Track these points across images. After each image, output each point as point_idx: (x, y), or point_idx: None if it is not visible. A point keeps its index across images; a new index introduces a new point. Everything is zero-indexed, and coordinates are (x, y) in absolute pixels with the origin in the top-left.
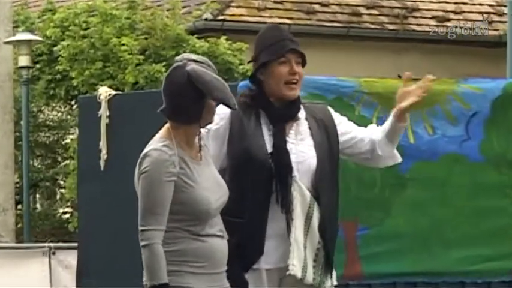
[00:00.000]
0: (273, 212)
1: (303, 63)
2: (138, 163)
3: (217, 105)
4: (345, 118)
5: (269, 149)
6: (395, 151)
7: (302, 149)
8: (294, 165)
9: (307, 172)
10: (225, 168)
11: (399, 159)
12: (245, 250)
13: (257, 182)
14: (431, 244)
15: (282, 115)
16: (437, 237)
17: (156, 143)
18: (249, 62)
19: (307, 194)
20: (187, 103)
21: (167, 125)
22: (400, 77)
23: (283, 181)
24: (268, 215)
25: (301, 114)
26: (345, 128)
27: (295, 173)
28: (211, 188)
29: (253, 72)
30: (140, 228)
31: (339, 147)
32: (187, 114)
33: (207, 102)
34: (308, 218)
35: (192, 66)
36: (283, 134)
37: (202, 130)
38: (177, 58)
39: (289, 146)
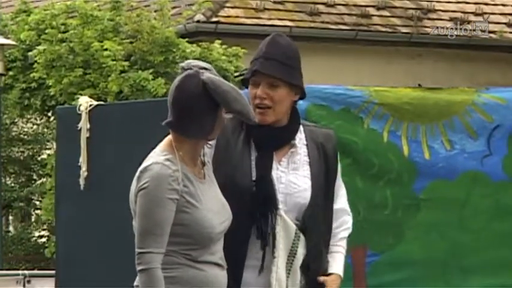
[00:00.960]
0: (253, 245)
1: (297, 85)
2: (136, 178)
3: None
4: (339, 168)
5: (254, 176)
6: None
7: (293, 179)
8: (281, 196)
9: (296, 205)
10: None
11: None
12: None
13: (239, 210)
14: (448, 272)
15: (270, 139)
16: (455, 264)
17: (158, 157)
18: (240, 75)
19: (293, 229)
20: (200, 116)
21: (169, 138)
22: (420, 85)
23: (264, 214)
24: (249, 247)
25: (300, 140)
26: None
27: (280, 205)
28: (216, 209)
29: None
30: (138, 250)
31: (336, 178)
32: (198, 128)
33: (219, 114)
34: (291, 255)
35: (207, 75)
36: (269, 161)
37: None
38: (183, 65)
39: (277, 175)
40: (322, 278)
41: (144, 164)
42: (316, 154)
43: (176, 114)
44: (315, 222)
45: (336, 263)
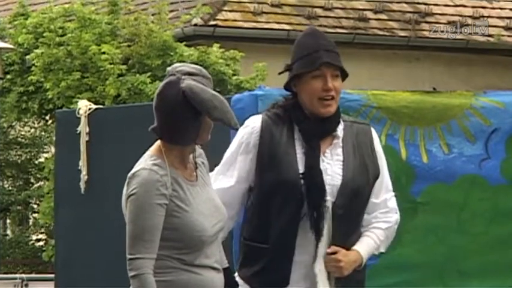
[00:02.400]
0: (302, 238)
1: (344, 75)
2: (126, 184)
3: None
4: (384, 160)
5: (301, 168)
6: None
7: (338, 170)
8: (328, 188)
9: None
10: (252, 187)
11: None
12: (269, 279)
13: (287, 204)
14: (446, 276)
15: (317, 131)
16: (453, 268)
17: (146, 162)
18: (282, 72)
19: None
20: (182, 123)
21: (158, 142)
22: (435, 89)
23: (315, 205)
24: (297, 241)
25: (340, 131)
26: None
27: (328, 196)
28: (207, 212)
29: (287, 82)
30: (128, 256)
31: (375, 171)
32: (183, 135)
33: (204, 120)
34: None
35: (187, 82)
36: (318, 152)
37: (198, 147)
38: (168, 70)
39: (324, 166)
40: (334, 248)
41: (133, 169)
42: (351, 149)
43: (160, 121)
44: (349, 209)
45: (360, 243)
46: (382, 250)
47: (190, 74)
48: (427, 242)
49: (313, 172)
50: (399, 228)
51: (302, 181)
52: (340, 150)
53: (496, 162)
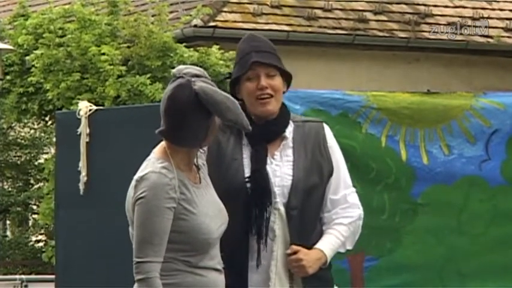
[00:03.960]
0: (253, 243)
1: (286, 75)
2: (133, 187)
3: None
4: (339, 155)
5: (247, 173)
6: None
7: (288, 171)
8: (278, 189)
9: None
10: None
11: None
12: (229, 285)
13: (236, 210)
14: (446, 277)
15: (263, 135)
16: (453, 269)
17: (154, 165)
18: (225, 79)
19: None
20: (192, 125)
21: (162, 145)
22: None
23: (260, 208)
24: (249, 246)
25: (289, 133)
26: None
27: (277, 198)
28: (212, 214)
29: (230, 91)
30: (136, 260)
31: (329, 168)
32: (192, 137)
33: (213, 122)
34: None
35: (199, 84)
36: (264, 155)
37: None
38: (174, 72)
39: (272, 168)
40: (294, 247)
41: (140, 173)
42: (302, 149)
43: (168, 123)
44: (303, 208)
45: (322, 241)
46: (349, 247)
47: (197, 76)
48: (427, 243)
49: (258, 175)
50: (399, 230)
51: (248, 185)
52: (290, 151)
53: (496, 163)
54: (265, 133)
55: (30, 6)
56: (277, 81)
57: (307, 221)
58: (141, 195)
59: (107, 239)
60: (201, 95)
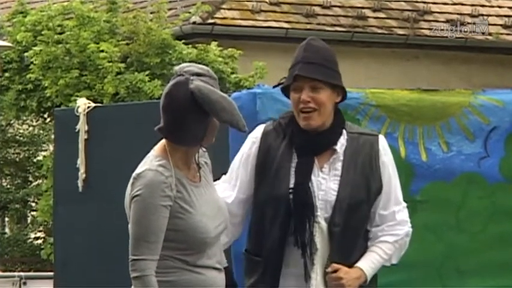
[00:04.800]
0: (291, 253)
1: (340, 87)
2: (130, 184)
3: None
4: (392, 170)
5: (292, 183)
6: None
7: (333, 186)
8: (321, 203)
9: None
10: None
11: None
12: None
13: (277, 218)
14: (444, 274)
15: (311, 146)
16: (452, 266)
17: (151, 162)
18: (277, 86)
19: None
20: (189, 124)
21: (163, 142)
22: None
23: (301, 221)
24: (285, 255)
25: (341, 146)
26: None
27: (319, 212)
28: (211, 213)
29: (285, 94)
30: (131, 257)
31: (378, 185)
32: (189, 136)
33: (211, 121)
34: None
35: (195, 83)
36: (308, 168)
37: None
38: (176, 70)
39: (318, 181)
40: (335, 266)
41: (138, 169)
42: (352, 164)
43: (167, 121)
44: (345, 226)
45: (364, 259)
46: (394, 261)
47: (198, 74)
48: (426, 240)
49: (301, 188)
50: None
51: (291, 196)
52: (339, 165)
53: (495, 160)
54: (313, 145)
55: (28, 3)
56: (323, 94)
57: (349, 239)
58: (137, 193)
59: (105, 236)
60: (196, 93)
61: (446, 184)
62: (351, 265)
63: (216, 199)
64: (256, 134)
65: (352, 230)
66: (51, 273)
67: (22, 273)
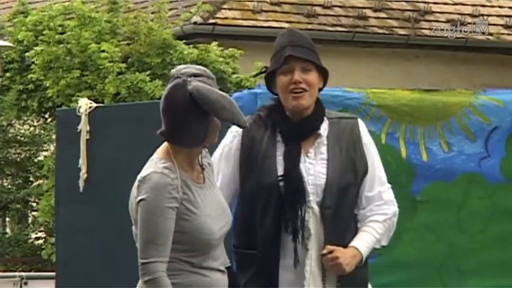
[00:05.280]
0: (286, 241)
1: (322, 71)
2: (135, 187)
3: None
4: (374, 152)
5: (281, 171)
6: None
7: (322, 170)
8: (311, 188)
9: None
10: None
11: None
12: (259, 284)
13: (268, 208)
14: (445, 274)
15: (297, 132)
16: (453, 266)
17: (156, 165)
18: (258, 74)
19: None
20: (190, 125)
21: (165, 145)
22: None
23: (294, 207)
24: (281, 244)
25: (324, 130)
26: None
27: (311, 197)
28: (215, 214)
29: (266, 85)
30: (141, 261)
31: (364, 167)
32: (191, 137)
33: (212, 121)
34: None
35: (193, 84)
36: (297, 153)
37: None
38: (173, 72)
39: (306, 167)
40: (330, 247)
41: (143, 173)
42: (337, 147)
43: (168, 124)
44: (337, 208)
45: (357, 239)
46: (384, 243)
47: (195, 75)
48: (427, 240)
49: (292, 174)
50: (399, 227)
51: (281, 183)
52: (324, 149)
53: (496, 160)
54: (299, 131)
55: (30, 3)
56: (312, 76)
57: (341, 220)
58: (143, 197)
59: (107, 236)
60: (195, 94)
61: (447, 184)
62: (345, 246)
63: (220, 200)
64: (236, 128)
65: (344, 211)
66: (52, 273)
67: (23, 273)
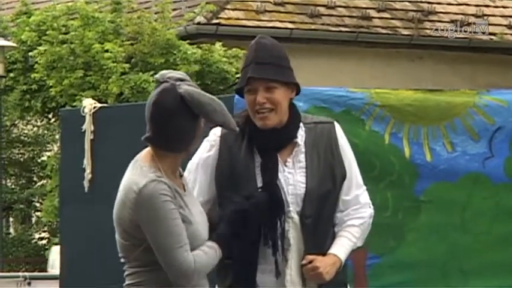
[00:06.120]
0: (265, 252)
1: (295, 84)
2: (133, 202)
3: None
4: (351, 155)
5: (260, 182)
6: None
7: (301, 179)
8: (291, 198)
9: None
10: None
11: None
12: None
13: (245, 220)
14: (449, 274)
15: (272, 143)
16: (456, 266)
17: (148, 174)
18: (232, 85)
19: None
20: (180, 129)
21: (148, 152)
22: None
23: (273, 218)
24: (260, 252)
25: (301, 137)
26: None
27: (290, 207)
28: (201, 221)
29: (239, 95)
30: (176, 270)
31: (342, 172)
32: (179, 141)
33: (199, 126)
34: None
35: (184, 87)
36: (275, 165)
37: None
38: (157, 77)
39: (285, 176)
40: (309, 257)
41: (135, 185)
42: (315, 153)
43: (155, 129)
44: (317, 216)
45: (335, 245)
46: (359, 244)
47: (181, 80)
48: (430, 240)
49: (270, 186)
50: (402, 227)
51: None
52: (302, 157)
53: (500, 160)
54: (275, 141)
55: (33, 3)
56: (277, 93)
57: (321, 228)
58: (151, 211)
59: (111, 236)
60: (186, 97)
61: (450, 184)
62: (324, 253)
63: (200, 208)
64: (213, 137)
65: (323, 220)
66: (56, 274)
67: (27, 273)
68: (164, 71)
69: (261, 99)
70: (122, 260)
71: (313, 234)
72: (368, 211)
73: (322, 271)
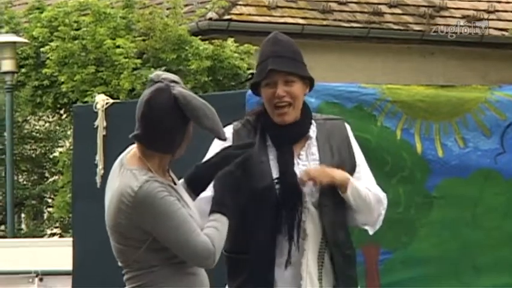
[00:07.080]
0: (282, 243)
1: (310, 79)
2: (132, 206)
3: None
4: (361, 156)
5: (275, 174)
6: (372, 217)
7: None
8: (307, 189)
9: None
10: None
11: (377, 226)
12: (255, 285)
13: (263, 211)
14: (461, 270)
15: (287, 137)
16: (468, 262)
17: (139, 177)
18: (245, 81)
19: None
20: (170, 130)
21: (136, 153)
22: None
23: (291, 208)
24: (277, 246)
25: (313, 132)
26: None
27: (306, 197)
28: (196, 217)
29: (252, 91)
30: (196, 254)
31: (353, 165)
32: (168, 142)
33: (188, 129)
34: (322, 248)
35: (178, 89)
36: (290, 156)
37: None
38: (151, 77)
39: (300, 169)
40: (303, 173)
41: (130, 189)
42: (327, 148)
43: (145, 127)
44: (332, 206)
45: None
46: (372, 217)
47: (175, 82)
48: (442, 236)
49: (287, 176)
50: (414, 223)
51: (277, 186)
52: (315, 150)
53: (511, 156)
54: (290, 135)
55: None
56: (296, 87)
57: (337, 218)
58: (150, 210)
59: None
60: (180, 99)
61: (462, 180)
62: (339, 243)
63: (193, 203)
64: (227, 134)
65: (339, 209)
66: (68, 269)
67: (39, 269)
68: (159, 72)
69: (281, 92)
70: (121, 265)
71: (329, 223)
72: (382, 194)
73: (313, 171)
